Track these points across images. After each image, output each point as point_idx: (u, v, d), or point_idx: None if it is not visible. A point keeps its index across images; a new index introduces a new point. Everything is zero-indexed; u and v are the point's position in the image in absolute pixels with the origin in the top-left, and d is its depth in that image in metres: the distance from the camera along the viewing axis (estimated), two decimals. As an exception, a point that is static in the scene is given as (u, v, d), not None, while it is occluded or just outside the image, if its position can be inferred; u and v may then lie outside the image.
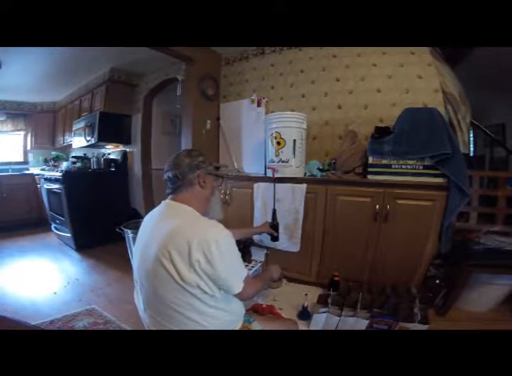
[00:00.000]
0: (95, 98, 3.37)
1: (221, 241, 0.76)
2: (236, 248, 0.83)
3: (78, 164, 3.45)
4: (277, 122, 1.94)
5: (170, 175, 0.89)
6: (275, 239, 1.56)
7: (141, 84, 3.41)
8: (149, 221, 0.92)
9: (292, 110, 2.30)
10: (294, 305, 1.71)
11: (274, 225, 1.54)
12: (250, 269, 1.84)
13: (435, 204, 1.60)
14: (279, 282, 2.04)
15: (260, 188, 2.08)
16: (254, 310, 1.22)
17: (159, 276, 0.76)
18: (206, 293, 0.76)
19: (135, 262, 0.90)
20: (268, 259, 2.12)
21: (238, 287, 0.80)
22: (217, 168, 0.99)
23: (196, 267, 0.73)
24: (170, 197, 0.91)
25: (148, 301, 0.84)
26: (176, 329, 0.78)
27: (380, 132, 1.77)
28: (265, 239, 2.09)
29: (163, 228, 0.81)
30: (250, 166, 2.58)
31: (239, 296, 0.85)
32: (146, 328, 0.90)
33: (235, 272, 0.80)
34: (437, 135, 1.58)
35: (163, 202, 0.92)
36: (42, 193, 3.47)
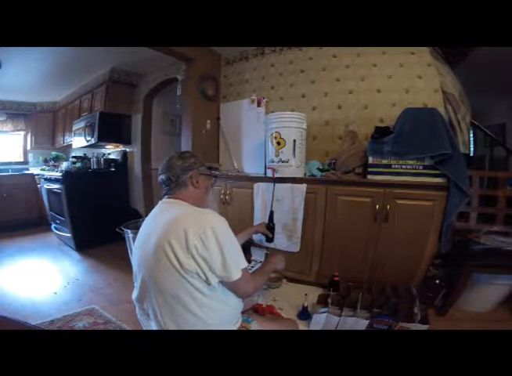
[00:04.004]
0: (95, 98, 3.37)
1: (216, 226, 0.79)
2: (233, 235, 0.84)
3: (78, 164, 3.45)
4: (277, 122, 1.94)
5: (163, 177, 0.94)
6: (269, 240, 1.59)
7: (141, 84, 3.41)
8: (148, 220, 0.95)
9: (292, 110, 2.30)
10: (294, 305, 1.71)
11: (270, 227, 1.56)
12: (250, 269, 1.84)
13: (435, 204, 1.60)
14: (280, 282, 2.04)
15: (260, 188, 2.08)
16: (254, 310, 1.22)
17: (160, 267, 0.77)
18: (204, 282, 0.77)
19: (134, 258, 0.92)
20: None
21: (235, 274, 0.80)
22: (209, 168, 1.02)
23: (193, 253, 0.75)
24: (166, 196, 0.95)
25: (148, 295, 0.84)
26: (175, 324, 0.79)
27: (380, 132, 1.77)
28: (265, 239, 2.10)
29: (161, 221, 0.84)
30: (250, 166, 2.58)
31: (238, 291, 0.85)
32: (143, 325, 0.90)
33: (230, 256, 0.79)
34: (437, 135, 1.58)
35: (160, 201, 0.96)
36: (42, 193, 3.47)
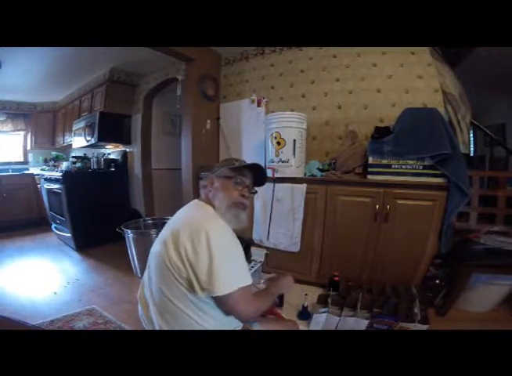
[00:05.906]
0: (95, 98, 3.37)
1: (212, 231, 0.72)
2: (234, 247, 0.77)
3: (78, 164, 3.45)
4: (277, 122, 1.94)
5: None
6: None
7: (141, 84, 3.41)
8: (170, 220, 0.95)
9: (292, 110, 2.30)
10: (294, 305, 1.71)
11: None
12: (249, 269, 1.84)
13: (435, 204, 1.61)
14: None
15: (260, 188, 2.08)
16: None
17: (160, 269, 0.78)
18: (190, 289, 0.75)
19: (150, 258, 0.91)
20: (268, 259, 2.12)
21: (220, 289, 0.70)
22: (232, 170, 0.92)
23: (182, 254, 0.72)
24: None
25: (153, 298, 0.84)
26: (176, 326, 0.79)
27: (380, 132, 1.77)
28: (265, 239, 2.10)
29: (173, 224, 0.84)
30: (250, 166, 2.58)
31: (233, 311, 0.77)
32: (145, 324, 0.91)
33: (221, 268, 0.70)
34: (437, 135, 1.58)
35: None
36: (42, 193, 3.47)
